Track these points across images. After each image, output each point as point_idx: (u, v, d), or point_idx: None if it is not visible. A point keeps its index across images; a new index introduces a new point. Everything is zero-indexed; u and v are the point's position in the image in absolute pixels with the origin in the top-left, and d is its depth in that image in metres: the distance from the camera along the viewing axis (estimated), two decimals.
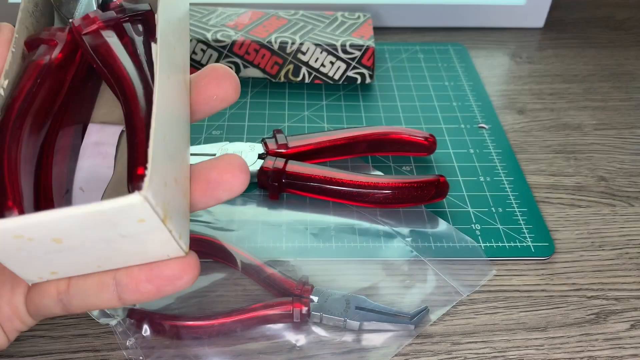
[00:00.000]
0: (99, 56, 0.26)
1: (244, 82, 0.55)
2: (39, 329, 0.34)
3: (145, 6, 0.27)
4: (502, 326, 0.35)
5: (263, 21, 0.55)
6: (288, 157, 0.43)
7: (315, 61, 0.53)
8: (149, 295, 0.24)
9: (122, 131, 0.29)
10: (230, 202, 0.42)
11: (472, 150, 0.48)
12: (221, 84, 0.28)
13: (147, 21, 0.27)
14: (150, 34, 0.27)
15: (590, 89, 0.57)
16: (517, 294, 0.37)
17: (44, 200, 0.24)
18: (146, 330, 0.33)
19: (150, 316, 0.33)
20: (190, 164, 0.26)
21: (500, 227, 0.41)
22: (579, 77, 0.59)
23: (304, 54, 0.53)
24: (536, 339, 0.34)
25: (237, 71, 0.54)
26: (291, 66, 0.54)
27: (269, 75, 0.54)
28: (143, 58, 0.26)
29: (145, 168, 0.21)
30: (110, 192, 0.28)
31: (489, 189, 0.44)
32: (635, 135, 0.51)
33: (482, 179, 0.45)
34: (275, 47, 0.52)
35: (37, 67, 0.26)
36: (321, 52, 0.53)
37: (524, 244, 0.40)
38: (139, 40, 0.27)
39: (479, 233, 0.41)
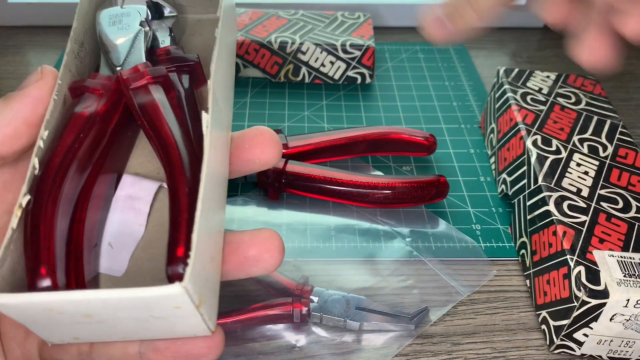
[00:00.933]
0: (146, 115, 0.25)
1: (244, 82, 0.54)
2: None
3: (193, 56, 0.27)
4: (502, 326, 0.35)
5: (263, 21, 0.55)
6: (288, 157, 0.43)
7: (315, 61, 0.53)
8: None
9: (160, 187, 0.28)
10: (231, 202, 0.42)
11: (472, 150, 0.48)
12: (265, 149, 0.27)
13: (195, 72, 0.27)
14: (195, 84, 0.27)
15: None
16: (518, 294, 0.37)
17: (74, 255, 0.23)
18: None
19: None
20: (226, 231, 0.26)
21: (501, 227, 0.41)
22: None
23: (304, 53, 0.53)
24: (536, 339, 0.34)
25: (237, 71, 0.54)
26: (291, 66, 0.53)
27: (269, 75, 0.54)
28: (188, 112, 0.26)
29: (188, 256, 0.20)
30: (139, 252, 0.27)
31: (489, 189, 0.44)
32: (636, 135, 0.51)
33: (482, 179, 0.45)
34: (275, 47, 0.52)
35: (80, 119, 0.24)
36: (321, 52, 0.52)
37: None
38: (185, 93, 0.26)
39: (479, 233, 0.41)
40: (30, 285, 0.21)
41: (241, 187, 0.43)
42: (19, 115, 0.24)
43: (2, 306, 0.20)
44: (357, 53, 0.52)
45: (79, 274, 0.23)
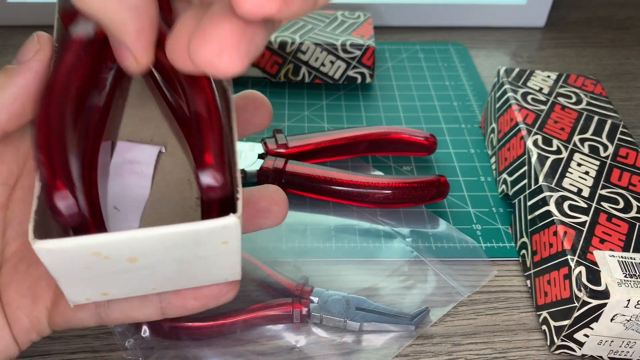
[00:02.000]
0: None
1: (244, 82, 0.54)
2: None
3: None
4: (503, 327, 0.35)
5: None
6: (288, 157, 0.42)
7: (315, 61, 0.53)
8: (193, 310, 0.26)
9: (160, 151, 0.29)
10: None
11: (472, 150, 0.48)
12: (258, 112, 0.29)
13: None
14: None
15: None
16: (518, 295, 0.37)
17: (97, 215, 0.24)
18: (145, 331, 0.33)
19: None
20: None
21: (501, 227, 0.41)
22: None
23: (304, 53, 0.53)
24: (537, 339, 0.34)
25: None
26: (291, 66, 0.53)
27: (268, 75, 0.54)
28: None
29: (237, 192, 0.21)
30: (149, 212, 0.27)
31: (489, 189, 0.44)
32: (636, 135, 0.51)
33: (482, 179, 0.45)
34: (275, 46, 0.52)
35: (79, 50, 0.23)
36: (321, 52, 0.52)
37: None
38: None
39: (479, 233, 0.41)
40: (51, 207, 0.19)
41: None
42: (24, 91, 0.24)
43: (49, 252, 0.19)
44: (357, 53, 0.52)
45: (101, 230, 0.23)
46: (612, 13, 0.71)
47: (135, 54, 0.20)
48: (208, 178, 0.20)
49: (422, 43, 0.63)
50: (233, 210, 0.21)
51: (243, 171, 0.42)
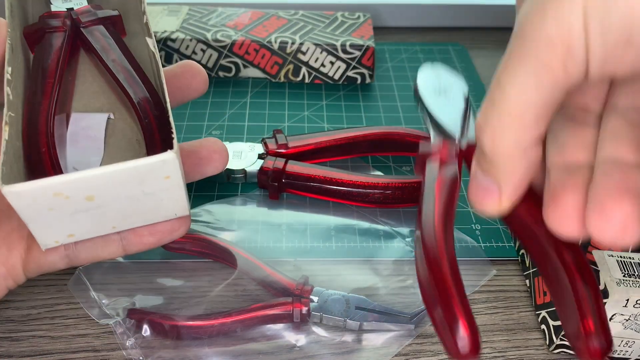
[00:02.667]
0: (108, 54, 0.31)
1: (244, 82, 0.55)
2: (38, 329, 0.34)
3: (114, 12, 0.33)
4: (502, 326, 0.35)
5: (263, 21, 0.55)
6: (288, 157, 0.43)
7: (315, 61, 0.53)
8: (150, 246, 0.29)
9: (108, 118, 0.33)
10: (230, 202, 0.42)
11: None
12: (195, 76, 0.33)
13: (116, 25, 0.33)
14: (121, 34, 0.33)
15: None
16: (518, 294, 0.37)
17: (57, 171, 0.27)
18: (146, 330, 0.33)
19: (150, 316, 0.33)
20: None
21: (501, 227, 0.41)
22: None
23: (304, 54, 0.53)
24: (536, 339, 0.34)
25: (237, 71, 0.54)
26: (291, 66, 0.54)
27: (269, 75, 0.54)
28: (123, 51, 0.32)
29: (172, 132, 0.25)
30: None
31: None
32: None
33: None
34: (275, 47, 0.52)
35: (51, 60, 0.30)
36: (321, 52, 0.53)
37: None
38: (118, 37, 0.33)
39: (479, 233, 0.41)
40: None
41: (241, 187, 0.43)
42: None
43: (16, 194, 0.22)
44: (357, 53, 0.52)
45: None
46: None
47: (502, 198, 0.20)
48: (596, 343, 0.20)
49: (422, 43, 0.63)
50: (170, 147, 0.25)
51: (243, 171, 0.42)
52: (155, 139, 0.28)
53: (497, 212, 0.21)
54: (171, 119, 0.26)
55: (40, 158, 0.26)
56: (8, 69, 0.27)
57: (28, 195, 0.23)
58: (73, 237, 0.27)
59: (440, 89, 0.32)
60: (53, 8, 0.33)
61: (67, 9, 0.32)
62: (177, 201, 0.26)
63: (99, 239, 0.28)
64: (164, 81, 0.28)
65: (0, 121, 0.27)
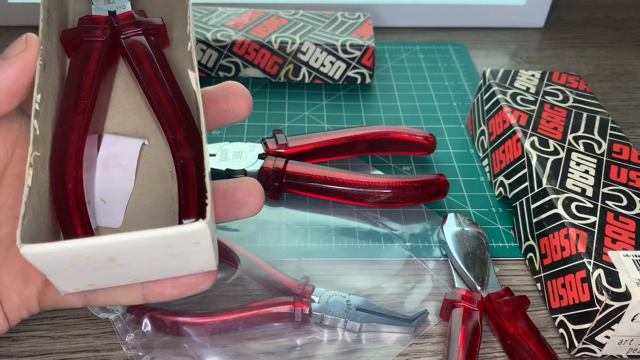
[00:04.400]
0: (144, 66, 0.28)
1: (244, 82, 0.55)
2: (38, 329, 0.34)
3: (158, 20, 0.30)
4: None
5: (263, 21, 0.55)
6: (288, 157, 0.43)
7: (315, 61, 0.53)
8: (171, 297, 0.28)
9: (143, 144, 0.30)
10: None
11: (472, 150, 0.48)
12: (238, 100, 0.31)
13: (159, 34, 0.30)
14: (163, 44, 0.30)
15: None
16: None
17: (82, 213, 0.26)
18: (146, 325, 0.33)
19: (150, 312, 0.33)
20: (213, 181, 0.28)
21: (501, 227, 0.41)
22: None
23: (304, 53, 0.53)
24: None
25: (237, 71, 0.54)
26: (291, 66, 0.54)
27: (269, 75, 0.54)
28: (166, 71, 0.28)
29: (206, 197, 0.24)
30: (132, 205, 0.29)
31: (489, 189, 0.44)
32: (636, 135, 0.51)
33: (482, 179, 0.45)
34: (275, 47, 0.52)
35: (86, 75, 0.27)
36: (321, 52, 0.52)
37: None
38: (159, 48, 0.29)
39: None
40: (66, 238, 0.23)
41: None
42: (1, 84, 0.26)
43: (34, 255, 0.22)
44: (357, 53, 0.52)
45: (86, 226, 0.25)
46: (611, 13, 0.71)
47: None
48: (202, 213, 0.23)
49: (422, 43, 0.63)
50: (202, 215, 0.23)
51: (244, 171, 0.42)
52: (189, 192, 0.25)
53: None
54: (207, 180, 0.25)
55: (65, 195, 0.25)
56: (37, 97, 0.25)
57: (47, 257, 0.22)
58: (94, 286, 0.26)
59: (463, 239, 0.38)
60: (94, 10, 0.30)
61: (108, 12, 0.30)
62: (205, 260, 0.25)
63: (120, 287, 0.27)
64: (203, 124, 0.26)
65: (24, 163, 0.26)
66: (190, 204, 0.25)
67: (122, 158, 0.30)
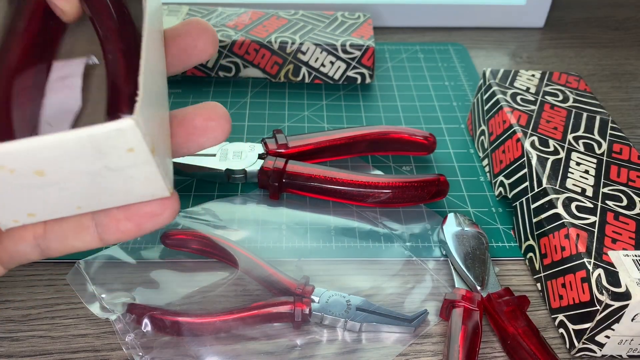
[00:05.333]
0: None
1: (244, 82, 0.55)
2: (38, 329, 0.34)
3: None
4: None
5: (263, 21, 0.55)
6: (288, 157, 0.43)
7: (315, 61, 0.53)
8: (129, 234, 0.25)
9: (90, 60, 0.28)
10: (231, 201, 0.42)
11: (472, 150, 0.48)
12: (201, 35, 0.28)
13: None
14: None
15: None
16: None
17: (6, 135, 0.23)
18: (146, 325, 0.33)
19: (150, 312, 0.33)
20: (171, 110, 0.26)
21: (501, 227, 0.41)
22: None
23: (304, 53, 0.53)
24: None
25: (237, 71, 0.54)
26: (291, 66, 0.54)
27: (269, 75, 0.54)
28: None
29: (136, 94, 0.20)
30: (80, 124, 0.27)
31: (488, 189, 0.44)
32: (636, 135, 0.51)
33: (482, 179, 0.45)
34: (275, 47, 0.52)
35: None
36: (321, 52, 0.52)
37: None
38: None
39: None
40: None
41: (241, 187, 0.43)
42: None
43: None
44: (357, 53, 0.52)
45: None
46: (611, 13, 0.71)
47: None
48: (129, 108, 0.20)
49: (422, 43, 0.63)
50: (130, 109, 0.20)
51: (244, 171, 0.42)
52: (118, 88, 0.22)
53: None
54: (142, 73, 0.21)
55: None
56: None
57: None
58: (34, 217, 0.23)
59: (462, 239, 0.38)
60: None
61: None
62: (151, 180, 0.22)
63: (70, 226, 0.25)
64: (145, 26, 0.23)
65: None
66: (119, 100, 0.21)
67: (69, 79, 0.28)
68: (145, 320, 0.33)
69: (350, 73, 0.54)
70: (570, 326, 0.33)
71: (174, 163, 0.44)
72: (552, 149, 0.39)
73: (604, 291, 0.30)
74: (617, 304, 0.30)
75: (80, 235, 0.25)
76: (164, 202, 0.24)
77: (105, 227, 0.25)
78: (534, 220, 0.37)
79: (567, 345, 0.34)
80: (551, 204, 0.35)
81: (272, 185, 0.41)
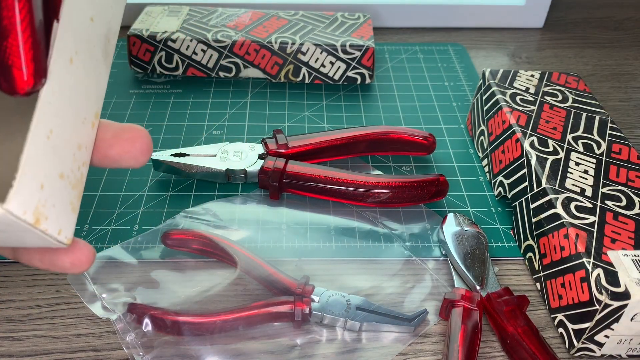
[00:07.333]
0: None
1: (244, 82, 0.55)
2: (39, 328, 0.34)
3: None
4: None
5: (263, 21, 0.55)
6: (288, 157, 0.43)
7: (315, 61, 0.53)
8: (42, 268, 0.25)
9: None
10: (231, 201, 0.42)
11: (471, 150, 0.48)
12: (136, 143, 0.26)
13: None
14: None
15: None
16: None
17: None
18: (147, 325, 0.33)
19: (151, 311, 0.33)
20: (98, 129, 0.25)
21: (501, 227, 0.41)
22: None
23: (304, 54, 0.53)
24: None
25: (237, 71, 0.54)
26: (291, 66, 0.54)
27: (269, 76, 0.54)
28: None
29: (15, 178, 0.19)
30: None
31: (488, 189, 0.44)
32: (635, 136, 0.51)
33: (481, 179, 0.45)
34: (276, 47, 0.52)
35: None
36: (321, 53, 0.53)
37: None
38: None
39: None
40: None
41: (241, 187, 0.43)
42: None
43: None
44: (357, 53, 0.53)
45: None
46: (610, 14, 0.71)
47: None
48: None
49: (422, 44, 0.63)
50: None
51: (244, 171, 0.42)
52: None
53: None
54: (25, 153, 0.20)
55: None
56: None
57: None
58: None
59: (462, 239, 0.38)
60: None
61: None
62: (39, 240, 0.22)
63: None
64: (42, 92, 0.21)
65: None
66: None
67: None
68: (146, 320, 0.33)
69: (350, 73, 0.54)
70: (570, 326, 0.33)
71: (174, 163, 0.44)
72: (551, 149, 0.39)
73: (603, 291, 0.30)
74: (616, 304, 0.30)
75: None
76: (72, 259, 0.24)
77: (25, 261, 0.25)
78: (534, 220, 0.37)
79: (567, 345, 0.34)
80: (550, 204, 0.36)
81: (272, 185, 0.41)
